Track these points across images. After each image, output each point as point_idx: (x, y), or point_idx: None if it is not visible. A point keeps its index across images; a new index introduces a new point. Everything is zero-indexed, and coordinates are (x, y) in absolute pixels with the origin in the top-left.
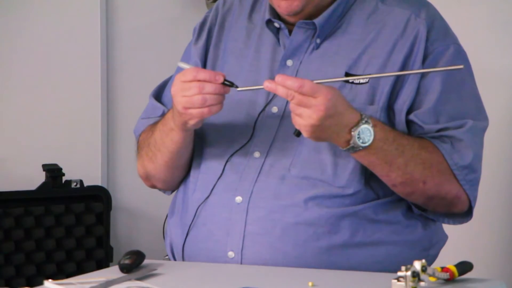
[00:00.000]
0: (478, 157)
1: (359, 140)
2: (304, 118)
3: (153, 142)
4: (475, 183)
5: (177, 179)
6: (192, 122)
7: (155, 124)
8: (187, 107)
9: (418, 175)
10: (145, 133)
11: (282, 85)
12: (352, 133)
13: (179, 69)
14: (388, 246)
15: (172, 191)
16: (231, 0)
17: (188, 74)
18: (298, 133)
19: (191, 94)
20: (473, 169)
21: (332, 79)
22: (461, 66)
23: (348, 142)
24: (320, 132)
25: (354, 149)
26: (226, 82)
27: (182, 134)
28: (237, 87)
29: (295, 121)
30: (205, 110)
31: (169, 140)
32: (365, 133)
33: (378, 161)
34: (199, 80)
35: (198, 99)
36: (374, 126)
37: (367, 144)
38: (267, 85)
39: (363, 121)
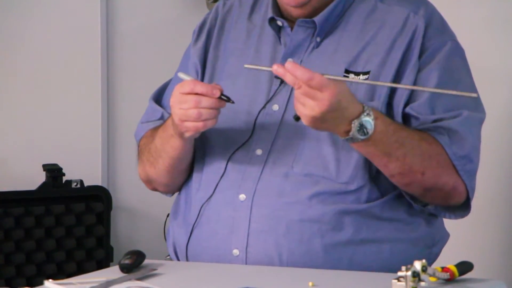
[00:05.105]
0: (475, 147)
1: (358, 132)
2: (307, 108)
3: (153, 148)
4: (472, 173)
5: (179, 183)
6: (187, 134)
7: (155, 129)
8: (183, 120)
9: (417, 166)
10: (145, 138)
11: (292, 74)
12: (352, 124)
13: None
14: (392, 244)
15: (173, 194)
16: (231, 1)
17: (186, 86)
18: (297, 118)
19: (187, 107)
20: (470, 159)
21: (342, 78)
22: (475, 95)
23: (347, 132)
24: (320, 123)
25: (353, 140)
26: (223, 97)
27: (182, 141)
28: (233, 102)
29: (297, 107)
30: (200, 124)
31: (170, 146)
32: (366, 126)
33: (377, 152)
34: (196, 93)
35: (194, 112)
36: (375, 119)
37: (366, 136)
38: (276, 68)
39: (365, 114)
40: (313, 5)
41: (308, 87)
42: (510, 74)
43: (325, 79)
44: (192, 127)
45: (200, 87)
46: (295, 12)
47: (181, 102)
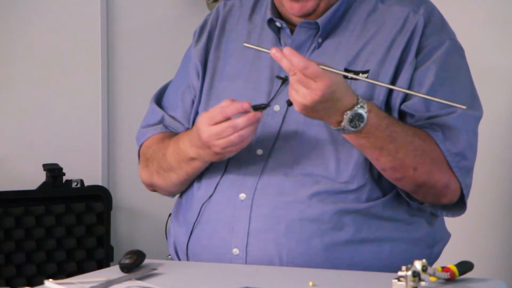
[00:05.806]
0: (470, 144)
1: (350, 124)
2: (299, 95)
3: (166, 164)
4: (467, 170)
5: (184, 189)
6: (230, 155)
7: (163, 142)
8: (226, 147)
9: (409, 162)
10: (149, 148)
11: (288, 60)
12: (345, 116)
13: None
14: (392, 243)
15: (174, 196)
16: (231, 2)
17: (217, 115)
18: (290, 103)
19: (227, 135)
20: (465, 156)
21: (337, 71)
22: (464, 107)
23: (339, 123)
24: (311, 112)
25: (344, 131)
26: (255, 108)
27: (207, 163)
28: (269, 105)
29: (291, 93)
30: (243, 144)
31: (190, 167)
32: (358, 118)
33: (369, 144)
34: (229, 118)
35: (235, 137)
36: (369, 112)
37: (357, 129)
38: (274, 52)
39: (358, 106)
40: (319, 12)
41: (302, 75)
42: (510, 74)
43: (320, 69)
44: (236, 149)
45: (230, 109)
46: (298, 19)
47: (217, 134)
